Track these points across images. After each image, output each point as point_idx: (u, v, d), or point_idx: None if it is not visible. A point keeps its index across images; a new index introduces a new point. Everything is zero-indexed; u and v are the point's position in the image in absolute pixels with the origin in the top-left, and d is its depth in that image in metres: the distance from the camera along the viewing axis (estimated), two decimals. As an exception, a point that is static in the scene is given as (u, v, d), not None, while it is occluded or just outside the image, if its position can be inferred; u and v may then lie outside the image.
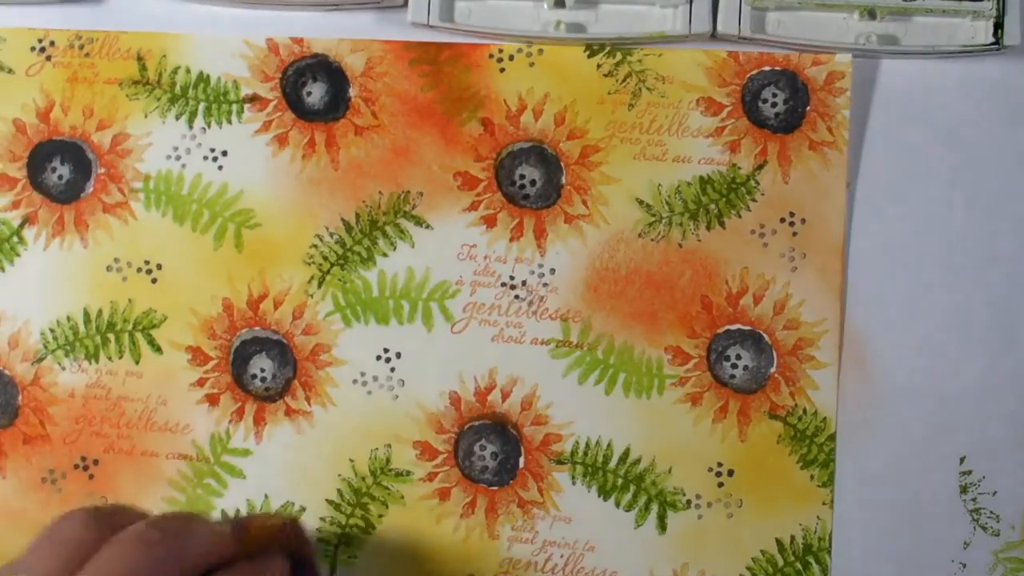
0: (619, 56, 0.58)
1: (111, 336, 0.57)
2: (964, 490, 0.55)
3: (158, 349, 0.57)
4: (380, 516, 0.56)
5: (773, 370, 0.56)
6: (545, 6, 0.58)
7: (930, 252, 0.57)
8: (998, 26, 0.56)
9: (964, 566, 0.55)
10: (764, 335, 0.56)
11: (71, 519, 0.38)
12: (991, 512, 0.55)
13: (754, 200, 0.57)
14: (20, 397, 0.58)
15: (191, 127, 0.58)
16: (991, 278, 0.56)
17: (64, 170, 0.58)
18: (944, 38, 0.57)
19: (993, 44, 0.56)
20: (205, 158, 0.58)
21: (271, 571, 0.41)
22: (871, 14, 0.57)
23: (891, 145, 0.57)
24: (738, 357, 0.56)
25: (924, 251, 0.57)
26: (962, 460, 0.56)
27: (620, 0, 0.58)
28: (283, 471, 0.57)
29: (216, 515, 0.57)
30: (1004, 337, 0.56)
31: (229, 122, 0.58)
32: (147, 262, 0.58)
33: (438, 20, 0.57)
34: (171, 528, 0.38)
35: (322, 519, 0.56)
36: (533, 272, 0.57)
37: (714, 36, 0.58)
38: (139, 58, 0.59)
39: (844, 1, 0.57)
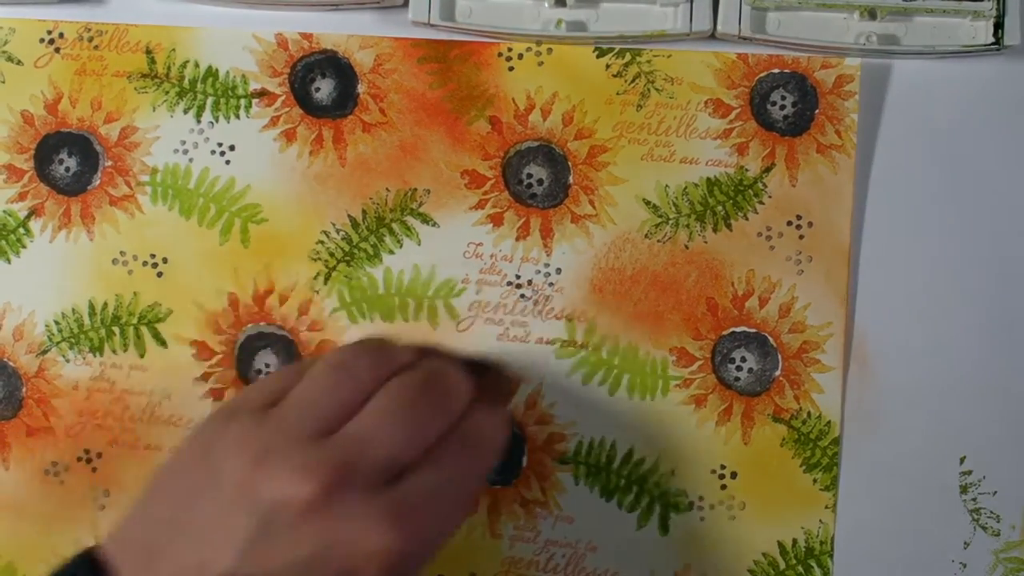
0: (628, 57, 0.58)
1: (116, 329, 0.57)
2: (964, 490, 0.56)
3: (163, 343, 0.57)
4: (383, 513, 0.56)
5: (778, 373, 0.56)
6: (546, 4, 0.58)
7: (932, 253, 0.57)
8: (998, 26, 0.56)
9: (964, 566, 0.55)
10: (769, 338, 0.56)
11: (354, 350, 0.42)
12: (991, 512, 0.56)
13: (761, 203, 0.57)
14: (24, 389, 0.58)
15: (199, 121, 0.58)
16: (992, 278, 0.56)
17: (71, 162, 0.58)
18: (944, 38, 0.57)
19: (993, 44, 0.57)
20: (212, 152, 0.58)
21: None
22: (871, 14, 0.57)
23: (893, 147, 0.57)
24: (743, 359, 0.56)
25: (925, 252, 0.57)
26: (962, 460, 0.56)
27: (621, -2, 0.58)
28: (287, 467, 0.57)
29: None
30: (1005, 338, 0.56)
31: (237, 117, 0.58)
32: (153, 256, 0.58)
33: (439, 19, 0.57)
34: (436, 385, 0.42)
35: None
36: (539, 271, 0.57)
37: (714, 35, 0.58)
38: (148, 51, 0.58)
39: (844, 1, 0.57)
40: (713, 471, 0.56)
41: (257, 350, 0.57)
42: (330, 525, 0.37)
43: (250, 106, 0.58)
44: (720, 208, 0.57)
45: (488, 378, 0.44)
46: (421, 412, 0.40)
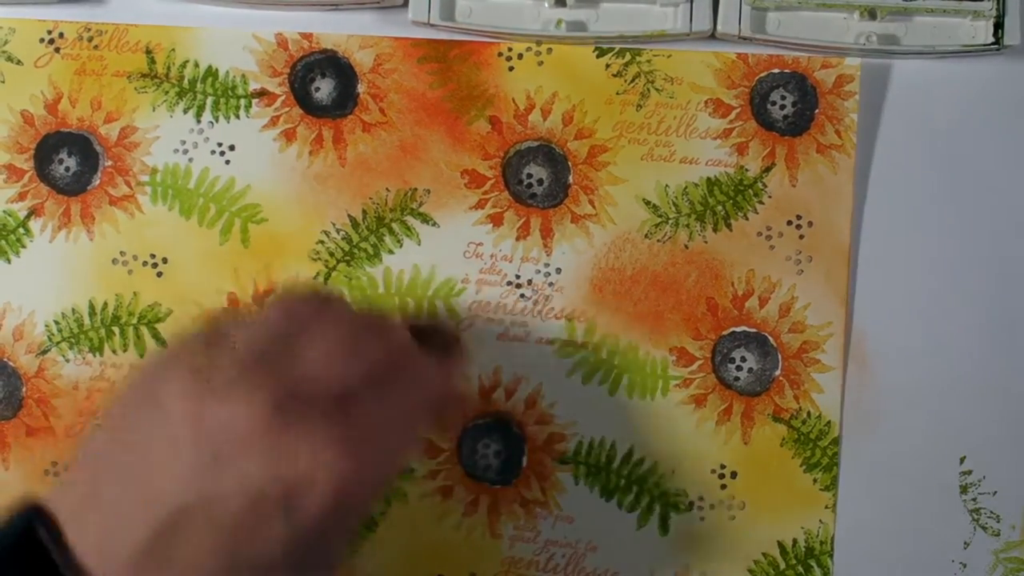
0: (628, 56, 0.58)
1: (116, 329, 0.57)
2: (964, 490, 0.56)
3: (163, 343, 0.57)
4: (382, 513, 0.56)
5: (778, 373, 0.56)
6: (546, 4, 0.58)
7: (932, 253, 0.57)
8: (998, 26, 0.56)
9: (964, 566, 0.55)
10: (769, 337, 0.56)
11: (295, 294, 0.42)
12: (991, 512, 0.56)
13: (761, 203, 0.57)
14: (24, 389, 0.58)
15: (199, 121, 0.58)
16: (992, 278, 0.57)
17: (71, 162, 0.58)
18: (944, 38, 0.57)
19: (993, 44, 0.57)
20: (212, 152, 0.58)
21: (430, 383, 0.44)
22: (871, 14, 0.57)
23: (893, 147, 0.57)
24: (743, 359, 0.56)
25: (925, 252, 0.57)
26: (962, 460, 0.56)
27: (621, -2, 0.58)
28: (287, 467, 0.57)
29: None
30: (1005, 338, 0.56)
31: (237, 117, 0.58)
32: (153, 255, 0.58)
33: (439, 19, 0.57)
34: (374, 326, 0.42)
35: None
36: (539, 271, 0.57)
37: (714, 35, 0.58)
38: (148, 51, 0.58)
39: (845, 1, 0.57)
40: (713, 471, 0.56)
41: (257, 350, 0.57)
42: (278, 449, 0.37)
43: (250, 106, 0.58)
44: (720, 208, 0.57)
45: (428, 335, 0.45)
46: (360, 344, 0.41)
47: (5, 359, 0.58)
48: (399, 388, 0.41)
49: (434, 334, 0.46)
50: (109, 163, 0.58)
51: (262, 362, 0.38)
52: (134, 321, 0.57)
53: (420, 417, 0.43)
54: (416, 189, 0.58)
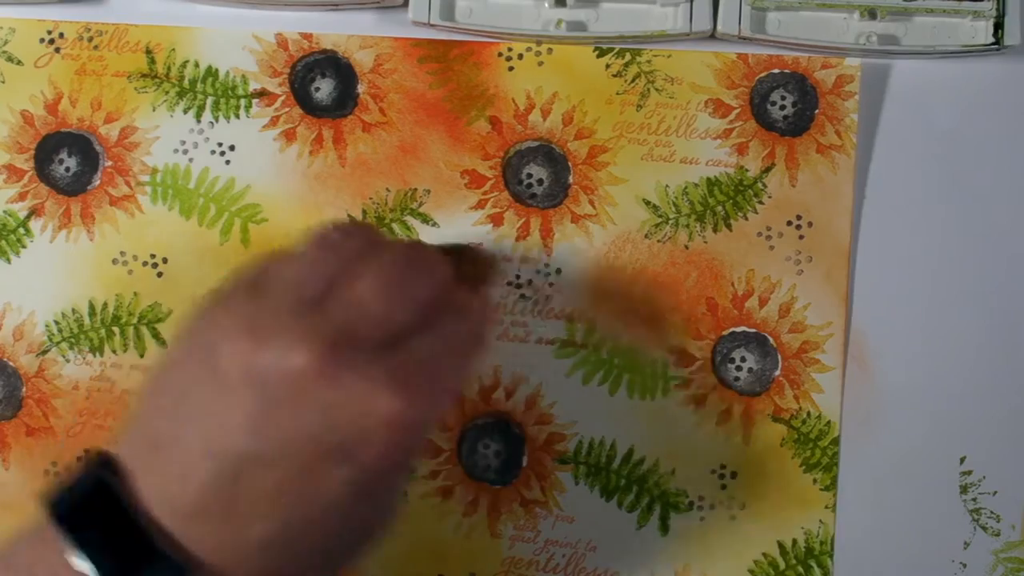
0: (628, 56, 0.58)
1: (116, 329, 0.57)
2: (964, 490, 0.56)
3: (163, 343, 0.57)
4: (382, 513, 0.56)
5: (777, 373, 0.56)
6: (546, 4, 0.58)
7: (931, 253, 0.57)
8: (998, 26, 0.56)
9: (964, 566, 0.55)
10: (769, 338, 0.56)
11: (339, 229, 0.41)
12: (991, 512, 0.56)
13: (761, 203, 0.57)
14: (24, 389, 0.58)
15: (199, 121, 0.58)
16: (992, 278, 0.57)
17: (71, 162, 0.58)
18: (944, 38, 0.57)
19: (993, 44, 0.57)
20: (212, 152, 0.58)
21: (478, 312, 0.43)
22: (871, 14, 0.57)
23: (893, 147, 0.57)
24: (743, 359, 0.56)
25: (925, 252, 0.57)
26: (962, 460, 0.56)
27: (621, -2, 0.58)
28: (287, 467, 0.57)
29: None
30: (1005, 338, 0.56)
31: (237, 117, 0.58)
32: (153, 256, 0.58)
33: (439, 19, 0.57)
34: (419, 259, 0.41)
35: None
36: (539, 271, 0.57)
37: (714, 35, 0.58)
38: (148, 51, 0.58)
39: (845, 1, 0.57)
40: (713, 471, 0.56)
41: (257, 350, 0.57)
42: (332, 392, 0.36)
43: (250, 106, 0.58)
44: (720, 208, 0.57)
45: (464, 262, 0.45)
46: (409, 281, 0.40)
47: (5, 359, 0.58)
48: (448, 317, 0.40)
49: (467, 259, 0.46)
50: (109, 163, 0.58)
51: (309, 305, 0.38)
52: (134, 321, 0.57)
53: (471, 344, 0.42)
54: (416, 189, 0.58)
